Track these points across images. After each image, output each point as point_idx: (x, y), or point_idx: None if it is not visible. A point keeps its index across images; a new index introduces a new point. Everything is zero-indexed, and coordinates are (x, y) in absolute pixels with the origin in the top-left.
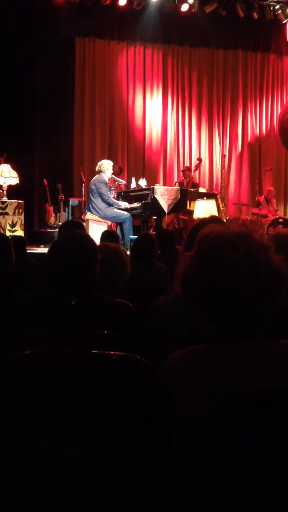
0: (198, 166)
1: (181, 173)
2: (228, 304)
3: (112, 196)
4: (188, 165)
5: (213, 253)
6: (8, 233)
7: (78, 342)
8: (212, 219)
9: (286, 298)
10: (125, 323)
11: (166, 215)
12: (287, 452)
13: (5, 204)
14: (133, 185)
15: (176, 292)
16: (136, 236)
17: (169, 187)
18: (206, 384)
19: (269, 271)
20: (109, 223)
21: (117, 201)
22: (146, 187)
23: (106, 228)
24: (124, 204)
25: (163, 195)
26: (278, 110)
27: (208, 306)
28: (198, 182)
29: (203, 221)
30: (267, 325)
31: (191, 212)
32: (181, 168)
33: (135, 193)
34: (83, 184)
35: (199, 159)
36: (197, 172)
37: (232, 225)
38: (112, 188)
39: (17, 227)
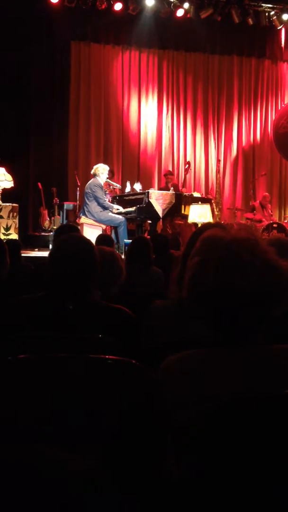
0: (187, 170)
1: (164, 178)
2: (244, 309)
3: (107, 200)
4: (171, 169)
5: (231, 259)
6: (2, 237)
7: (74, 346)
8: (216, 225)
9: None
10: (122, 329)
11: (161, 220)
12: (284, 457)
13: (0, 208)
14: (127, 189)
15: (173, 296)
16: (131, 240)
17: (164, 192)
18: (203, 388)
19: (281, 275)
20: (104, 227)
21: (112, 205)
22: (141, 191)
23: (100, 232)
24: (119, 208)
25: (158, 200)
26: (272, 115)
27: (220, 311)
28: (184, 185)
29: (206, 227)
30: (265, 330)
31: (186, 217)
32: (163, 173)
33: (130, 197)
34: (78, 188)
35: (188, 163)
36: (188, 176)
37: (232, 230)
38: (107, 192)
39: (11, 231)
